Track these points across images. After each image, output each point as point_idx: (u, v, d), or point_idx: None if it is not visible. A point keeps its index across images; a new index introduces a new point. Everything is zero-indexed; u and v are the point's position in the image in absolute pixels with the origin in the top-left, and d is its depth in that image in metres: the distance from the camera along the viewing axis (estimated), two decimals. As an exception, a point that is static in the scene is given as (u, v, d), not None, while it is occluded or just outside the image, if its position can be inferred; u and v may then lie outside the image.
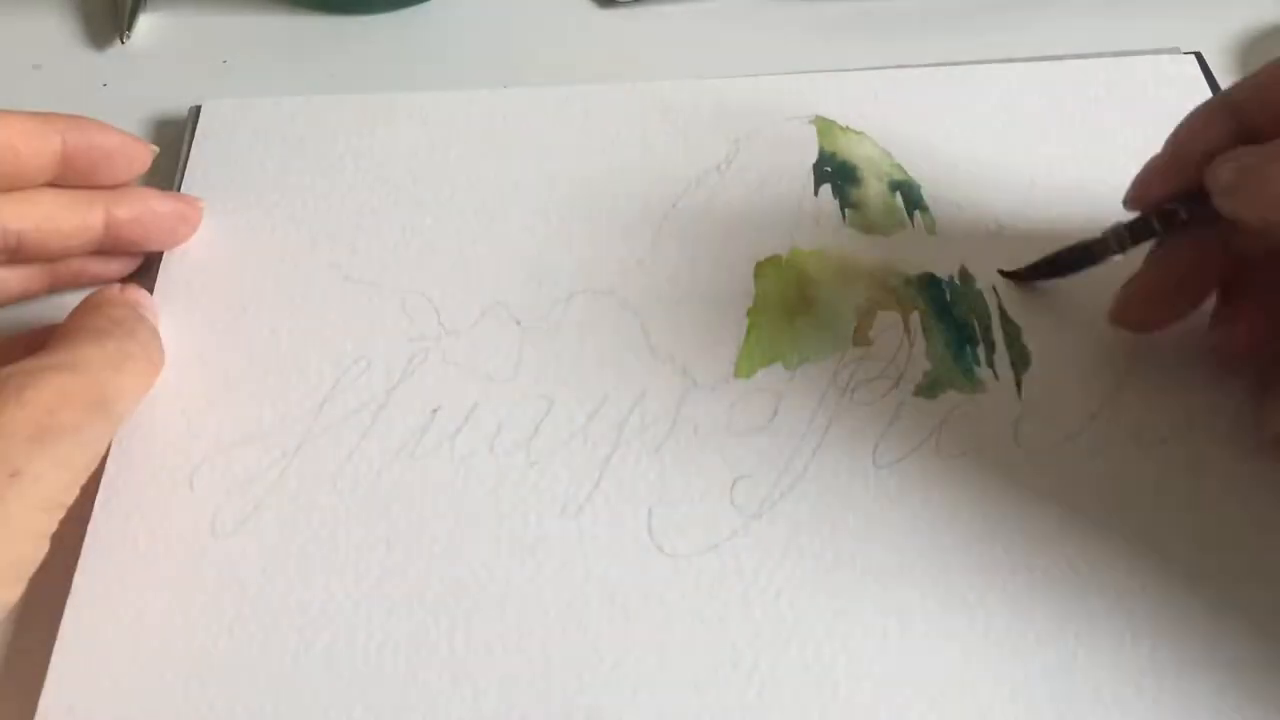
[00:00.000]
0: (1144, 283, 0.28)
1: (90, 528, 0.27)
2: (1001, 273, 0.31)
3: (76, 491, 0.25)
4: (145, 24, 0.40)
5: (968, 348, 0.30)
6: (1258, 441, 0.28)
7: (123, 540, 0.27)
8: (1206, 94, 0.35)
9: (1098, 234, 0.29)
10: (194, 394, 0.29)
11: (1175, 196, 0.27)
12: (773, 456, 0.28)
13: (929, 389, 0.29)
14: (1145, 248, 0.28)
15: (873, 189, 0.34)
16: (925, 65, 0.37)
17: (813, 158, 0.34)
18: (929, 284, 0.31)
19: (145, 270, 0.32)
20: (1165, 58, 0.36)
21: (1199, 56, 0.37)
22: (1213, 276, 0.28)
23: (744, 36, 0.39)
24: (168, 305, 0.31)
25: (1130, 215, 0.28)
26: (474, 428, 0.29)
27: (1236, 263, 0.28)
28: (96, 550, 0.27)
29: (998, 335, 0.30)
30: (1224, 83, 0.36)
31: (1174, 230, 0.27)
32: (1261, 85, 0.26)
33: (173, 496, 0.28)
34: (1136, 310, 0.29)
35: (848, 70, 0.36)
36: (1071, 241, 0.30)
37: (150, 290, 0.31)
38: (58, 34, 0.39)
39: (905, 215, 0.33)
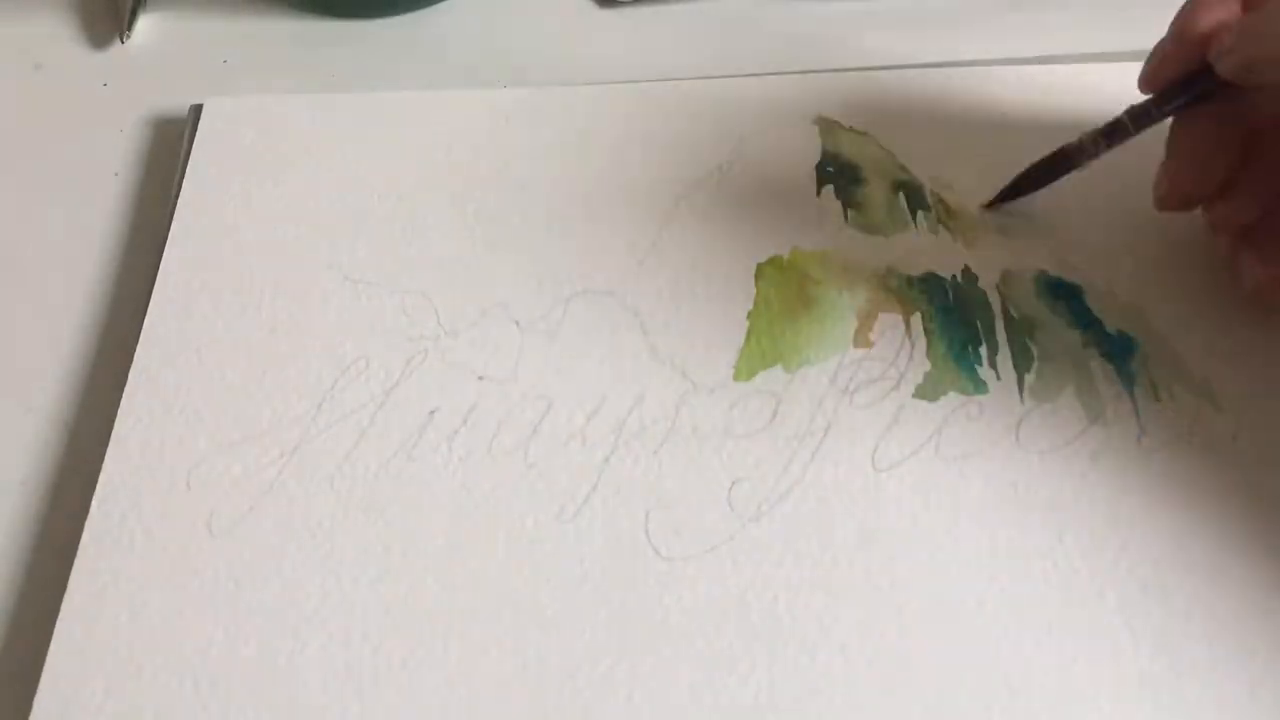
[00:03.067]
0: (1173, 163, 0.29)
1: (87, 526, 0.27)
2: (984, 206, 0.33)
3: None
4: (145, 24, 0.40)
5: (970, 348, 0.30)
6: (1243, 297, 0.29)
7: (119, 539, 0.27)
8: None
9: (1074, 140, 0.30)
10: (192, 393, 0.29)
11: (1186, 76, 0.28)
12: (771, 459, 0.28)
13: (930, 391, 0.29)
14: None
15: (875, 189, 0.33)
16: (926, 65, 0.37)
17: (815, 158, 0.34)
18: (931, 284, 0.31)
19: (144, 267, 0.32)
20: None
21: None
22: (1235, 145, 0.29)
23: (745, 36, 0.39)
24: (166, 302, 0.31)
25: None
26: (472, 429, 0.29)
27: (1251, 135, 0.29)
28: (93, 549, 0.27)
29: (1000, 336, 0.30)
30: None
31: (1146, 126, 0.29)
32: None
33: (170, 496, 0.27)
34: (1175, 190, 0.29)
35: (851, 70, 0.36)
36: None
37: (149, 288, 0.31)
38: (58, 34, 0.39)
39: (908, 216, 0.33)
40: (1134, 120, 0.29)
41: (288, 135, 0.35)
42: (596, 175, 0.34)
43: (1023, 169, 0.32)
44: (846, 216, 0.33)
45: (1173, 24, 0.29)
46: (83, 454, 0.29)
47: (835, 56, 0.37)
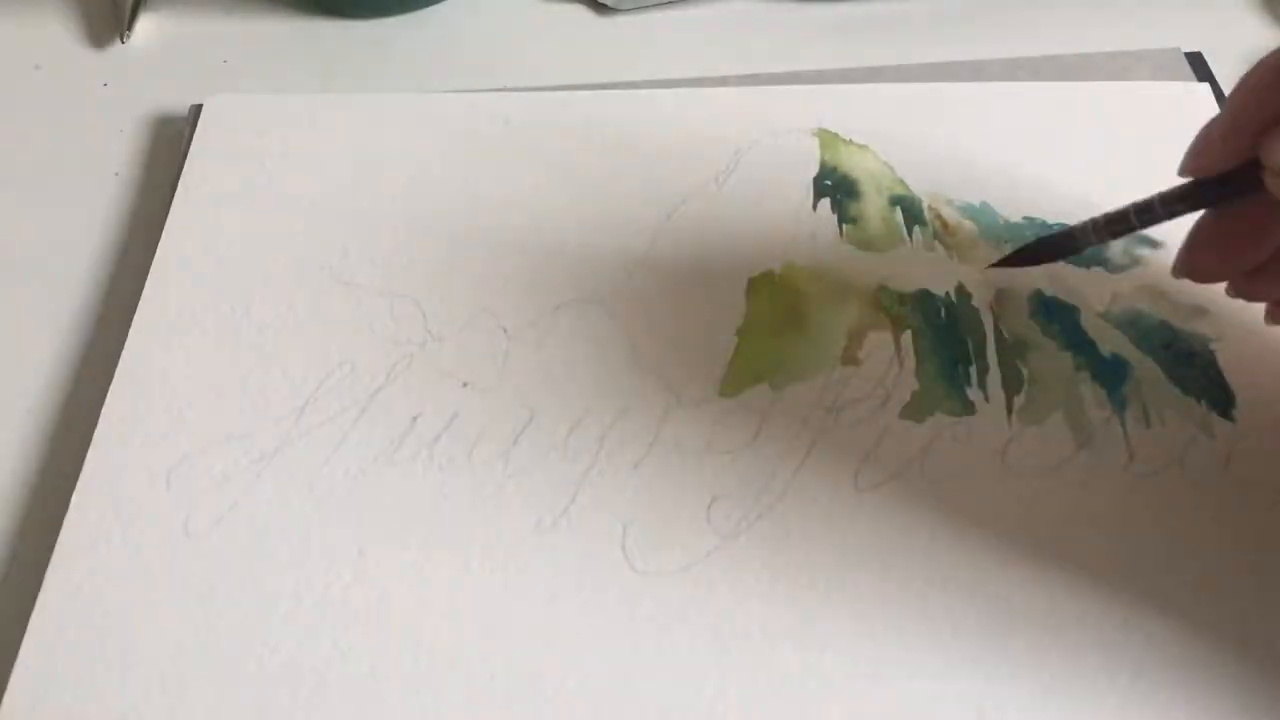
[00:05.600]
0: (1199, 241, 0.27)
1: (65, 523, 0.27)
2: (988, 267, 0.31)
3: None
4: (145, 24, 0.40)
5: (960, 367, 0.29)
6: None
7: (96, 537, 0.27)
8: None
9: (1076, 224, 0.28)
10: (177, 391, 0.29)
11: (1233, 165, 0.25)
12: (752, 477, 0.27)
13: (917, 410, 0.28)
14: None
15: (872, 204, 0.33)
16: (925, 66, 0.36)
17: (813, 170, 0.34)
18: (924, 301, 0.31)
19: (144, 267, 0.32)
20: (1178, 84, 0.35)
21: (1199, 57, 0.36)
22: (1274, 235, 0.26)
23: (742, 42, 0.39)
24: (159, 300, 0.31)
25: (1108, 208, 0.27)
26: (453, 436, 0.29)
27: None
28: (70, 546, 0.27)
29: (991, 356, 0.29)
30: (1226, 86, 0.35)
31: (1153, 223, 0.27)
32: None
33: (148, 494, 0.27)
34: (1197, 274, 0.27)
35: (852, 84, 0.36)
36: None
37: (141, 285, 0.31)
38: (58, 34, 0.39)
39: (904, 231, 0.32)
40: (1139, 215, 0.27)
41: (288, 133, 0.35)
42: (591, 182, 0.34)
43: (1028, 243, 0.30)
44: (841, 231, 0.32)
45: (1229, 101, 0.25)
46: (75, 452, 0.29)
47: (833, 61, 0.37)
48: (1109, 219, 0.27)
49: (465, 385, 0.29)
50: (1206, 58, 0.36)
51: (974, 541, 0.26)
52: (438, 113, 0.35)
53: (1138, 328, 0.30)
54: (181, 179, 0.34)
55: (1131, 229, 0.27)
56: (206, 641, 0.25)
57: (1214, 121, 0.25)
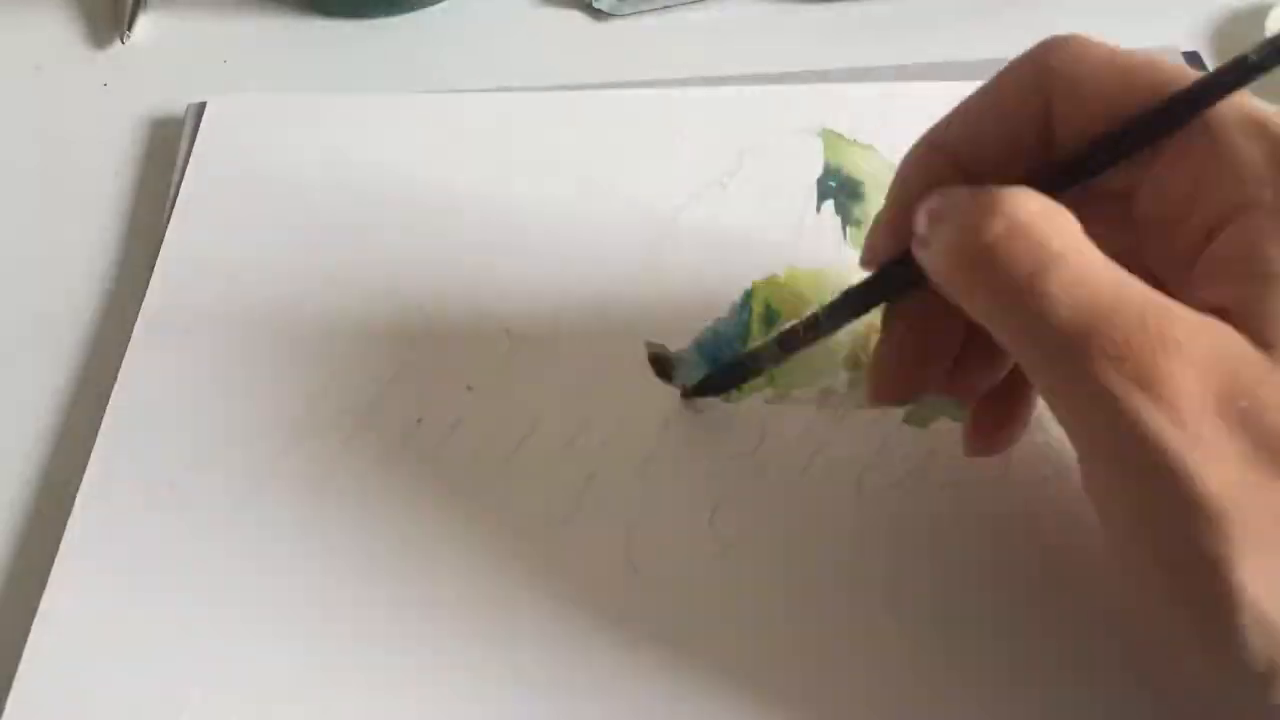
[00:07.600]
0: (884, 357, 0.24)
1: (69, 527, 0.27)
2: (683, 396, 0.29)
3: None
4: (145, 24, 0.40)
5: (964, 373, 0.29)
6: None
7: (100, 541, 0.27)
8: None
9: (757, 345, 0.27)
10: (181, 393, 0.29)
11: (902, 251, 0.23)
12: (755, 482, 0.27)
13: (920, 416, 0.28)
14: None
15: (877, 205, 0.33)
16: (927, 64, 0.36)
17: (818, 171, 0.34)
18: (928, 305, 0.31)
19: (143, 267, 0.32)
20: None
21: (1196, 56, 0.36)
22: (955, 334, 0.24)
23: (742, 44, 0.39)
24: (159, 302, 0.31)
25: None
26: (458, 440, 0.28)
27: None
28: (73, 551, 0.27)
29: (996, 361, 0.29)
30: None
31: (820, 336, 0.25)
32: (968, 118, 0.23)
33: (152, 498, 0.27)
34: (888, 387, 0.25)
35: (855, 84, 0.36)
36: None
37: (144, 285, 0.31)
38: (58, 34, 0.39)
39: (908, 233, 0.32)
40: (806, 330, 0.25)
41: (291, 133, 0.35)
42: (595, 183, 0.33)
43: (710, 373, 0.29)
44: (845, 234, 0.32)
45: (889, 189, 0.24)
46: (75, 455, 0.29)
47: (832, 62, 0.37)
48: (781, 337, 0.26)
49: (469, 389, 0.29)
50: (1206, 58, 0.36)
51: (979, 547, 0.26)
52: (438, 113, 0.35)
53: None
54: (185, 179, 0.34)
55: (801, 342, 0.25)
56: (211, 645, 0.25)
57: (882, 209, 0.24)
